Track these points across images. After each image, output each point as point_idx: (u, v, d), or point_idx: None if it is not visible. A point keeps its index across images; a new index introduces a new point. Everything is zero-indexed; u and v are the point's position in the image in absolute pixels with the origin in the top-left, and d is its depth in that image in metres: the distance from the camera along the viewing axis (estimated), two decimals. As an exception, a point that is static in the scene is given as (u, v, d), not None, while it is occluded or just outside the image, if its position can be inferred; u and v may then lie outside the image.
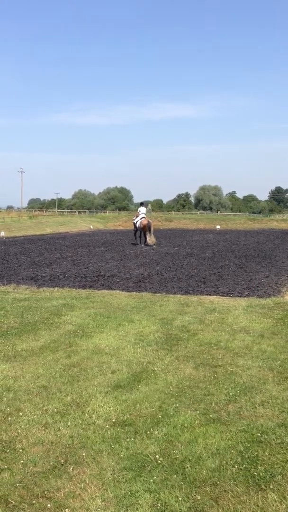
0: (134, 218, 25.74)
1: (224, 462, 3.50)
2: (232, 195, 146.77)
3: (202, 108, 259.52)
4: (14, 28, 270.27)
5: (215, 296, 9.98)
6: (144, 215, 24.71)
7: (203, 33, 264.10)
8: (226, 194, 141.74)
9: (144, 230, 24.37)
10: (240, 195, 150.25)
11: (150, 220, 24.83)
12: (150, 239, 24.36)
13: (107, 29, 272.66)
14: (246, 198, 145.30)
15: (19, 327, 7.37)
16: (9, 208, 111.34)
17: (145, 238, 24.56)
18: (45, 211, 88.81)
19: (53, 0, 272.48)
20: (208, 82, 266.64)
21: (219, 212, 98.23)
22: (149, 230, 24.27)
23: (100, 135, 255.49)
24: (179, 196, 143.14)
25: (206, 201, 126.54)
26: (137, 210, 27.61)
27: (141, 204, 26.96)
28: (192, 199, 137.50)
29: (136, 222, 24.87)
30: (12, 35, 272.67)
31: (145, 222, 24.10)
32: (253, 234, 39.30)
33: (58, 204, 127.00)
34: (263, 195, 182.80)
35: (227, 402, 4.55)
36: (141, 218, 24.50)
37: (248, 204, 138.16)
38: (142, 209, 25.53)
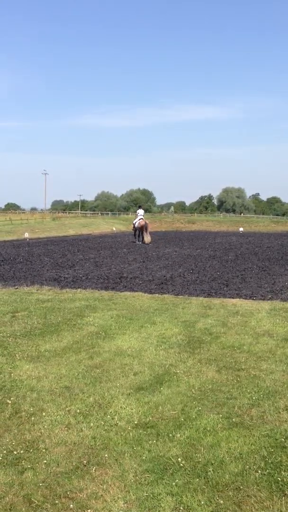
0: (134, 220, 29.77)
1: (247, 466, 3.47)
2: (255, 197, 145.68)
3: (226, 110, 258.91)
4: (39, 31, 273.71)
5: (238, 299, 9.90)
6: (142, 217, 28.23)
7: (227, 35, 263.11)
8: (250, 196, 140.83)
9: (141, 229, 27.70)
10: (263, 197, 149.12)
11: (147, 222, 28.36)
12: (146, 237, 27.50)
13: (132, 32, 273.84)
14: (270, 200, 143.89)
15: (42, 328, 7.44)
16: (33, 209, 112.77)
17: (142, 237, 27.82)
18: (68, 212, 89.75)
19: (78, 3, 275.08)
20: (233, 84, 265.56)
21: (242, 214, 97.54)
22: (146, 230, 27.60)
23: (123, 138, 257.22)
24: (202, 198, 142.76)
25: (229, 203, 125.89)
26: (136, 212, 31.71)
27: (139, 207, 31.28)
28: (215, 201, 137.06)
29: (135, 223, 28.61)
30: (37, 38, 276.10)
31: (143, 222, 27.62)
32: (277, 236, 38.89)
33: (81, 206, 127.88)
34: (287, 197, 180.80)
35: (250, 406, 4.51)
36: (139, 219, 28.08)
37: (272, 206, 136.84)
38: (141, 212, 29.10)
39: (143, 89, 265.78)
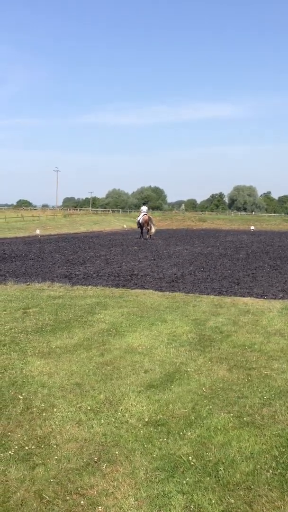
0: (138, 217, 31.58)
1: (258, 466, 3.45)
2: (267, 195, 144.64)
3: (238, 108, 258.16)
4: (51, 29, 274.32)
5: (249, 298, 9.86)
6: (145, 213, 29.87)
7: (239, 34, 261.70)
8: (261, 195, 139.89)
9: (146, 224, 29.21)
10: (275, 195, 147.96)
11: (150, 216, 30.09)
12: (151, 230, 29.06)
13: (145, 30, 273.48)
14: (282, 199, 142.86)
15: (53, 325, 7.47)
16: (44, 206, 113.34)
17: (148, 229, 29.28)
18: (79, 210, 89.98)
19: (95, 2, 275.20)
20: (245, 82, 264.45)
21: (253, 212, 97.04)
22: (151, 222, 29.25)
23: (135, 135, 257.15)
24: (213, 196, 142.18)
25: (240, 201, 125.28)
26: (139, 209, 34.07)
27: (143, 204, 32.98)
28: (226, 200, 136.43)
29: (139, 219, 29.99)
30: (49, 36, 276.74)
31: (146, 218, 29.35)
32: (288, 235, 38.64)
33: (92, 203, 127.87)
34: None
35: (261, 406, 4.48)
36: (143, 215, 29.63)
37: (284, 204, 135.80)
38: (144, 208, 30.71)
39: (155, 87, 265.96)
